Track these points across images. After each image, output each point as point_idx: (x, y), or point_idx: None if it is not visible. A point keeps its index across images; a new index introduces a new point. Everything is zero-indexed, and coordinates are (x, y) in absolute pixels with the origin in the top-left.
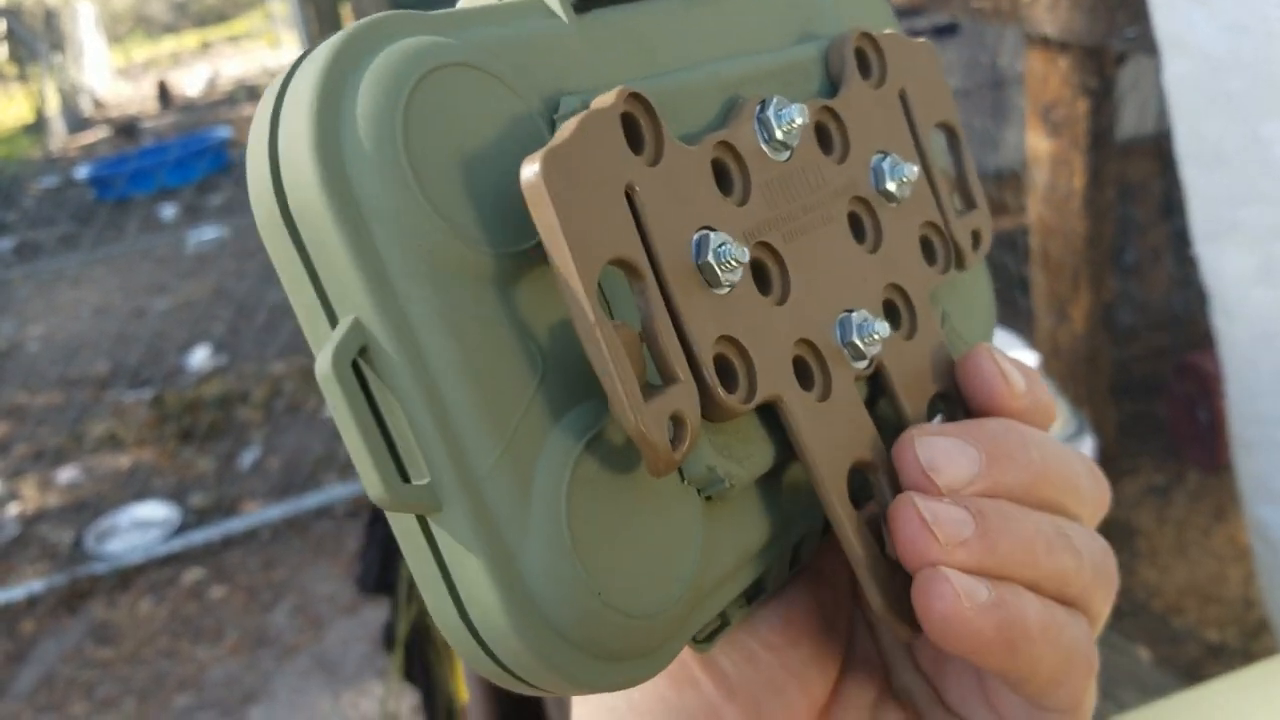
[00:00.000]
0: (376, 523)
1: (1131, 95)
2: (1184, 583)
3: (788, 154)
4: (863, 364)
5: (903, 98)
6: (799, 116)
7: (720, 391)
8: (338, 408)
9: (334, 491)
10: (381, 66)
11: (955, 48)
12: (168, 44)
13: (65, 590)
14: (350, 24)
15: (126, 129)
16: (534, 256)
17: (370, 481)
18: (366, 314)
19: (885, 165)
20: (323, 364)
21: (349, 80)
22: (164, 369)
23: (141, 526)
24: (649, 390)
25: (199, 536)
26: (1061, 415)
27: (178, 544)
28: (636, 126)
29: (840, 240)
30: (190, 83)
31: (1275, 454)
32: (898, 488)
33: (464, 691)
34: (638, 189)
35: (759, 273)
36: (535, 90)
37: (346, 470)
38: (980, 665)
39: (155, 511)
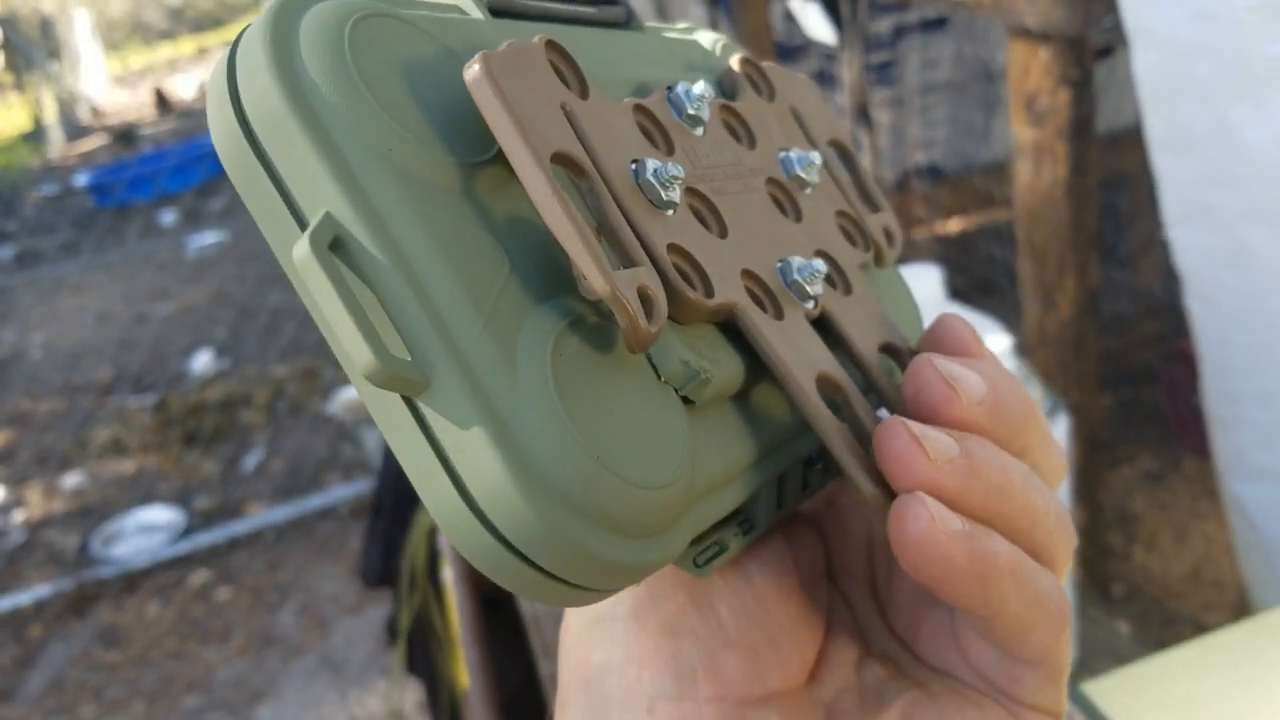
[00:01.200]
0: (379, 517)
1: (1119, 86)
2: (1179, 567)
3: (701, 129)
4: (810, 304)
5: (796, 115)
6: (705, 91)
7: (682, 284)
8: (318, 288)
9: (337, 492)
10: (323, 8)
11: (944, 41)
12: (164, 50)
13: (72, 595)
14: None
15: (125, 136)
16: (488, 170)
17: (359, 354)
18: (337, 206)
19: (793, 156)
20: (300, 251)
21: (297, 17)
22: (167, 374)
23: (147, 530)
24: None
25: (204, 539)
26: (1036, 395)
27: (183, 547)
28: (560, 71)
29: (765, 206)
30: (187, 89)
31: (1251, 431)
32: (867, 412)
33: (464, 679)
34: (573, 109)
35: (696, 215)
36: (466, 50)
37: (349, 471)
38: (949, 599)
39: (160, 515)
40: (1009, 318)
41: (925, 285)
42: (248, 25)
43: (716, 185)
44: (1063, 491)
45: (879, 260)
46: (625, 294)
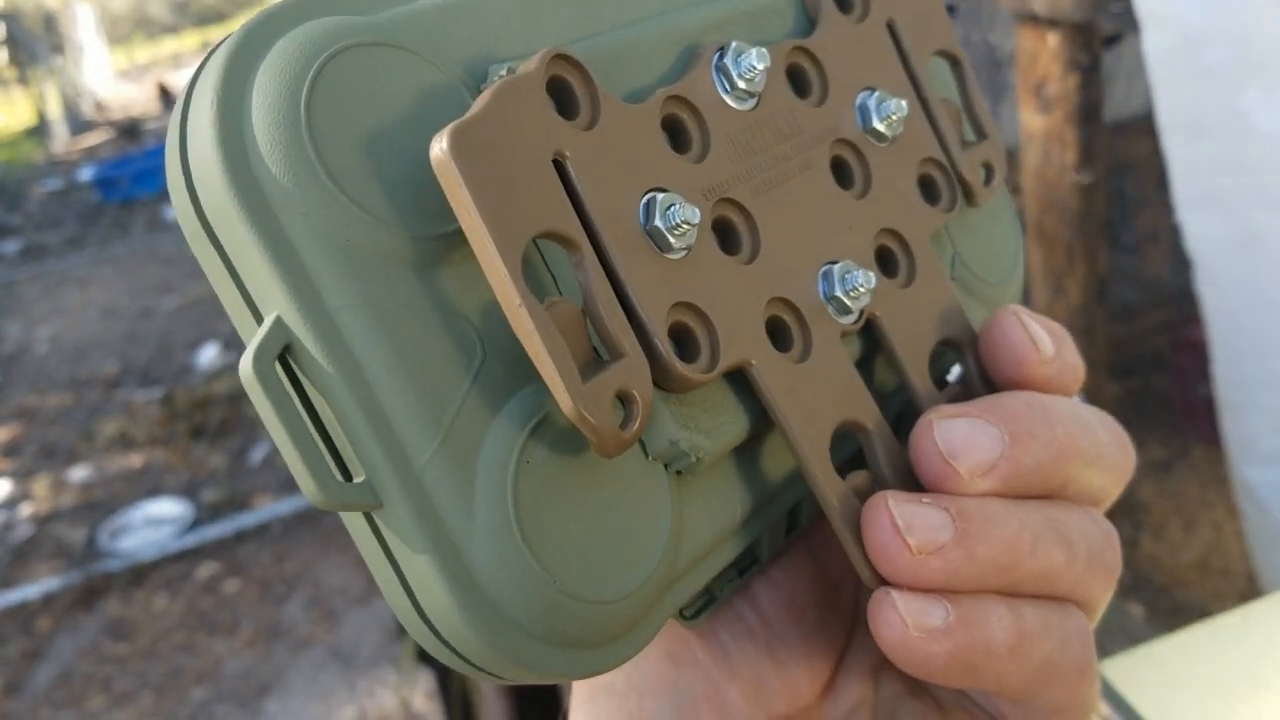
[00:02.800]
0: None
1: (1127, 74)
2: (1187, 556)
3: (754, 101)
4: (849, 318)
5: (891, 29)
6: (759, 61)
7: (676, 363)
8: (262, 409)
9: None
10: (281, 54)
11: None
12: (168, 45)
13: (80, 588)
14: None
15: (129, 130)
16: (461, 239)
17: (304, 483)
18: (286, 311)
19: (871, 103)
20: (244, 365)
21: (250, 72)
22: (173, 367)
23: (154, 523)
24: (593, 367)
25: (212, 532)
26: None
27: (191, 540)
28: (568, 90)
29: (821, 188)
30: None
31: (1261, 416)
32: (892, 451)
33: None
34: (570, 156)
35: (725, 231)
36: (459, 61)
37: None
38: (939, 684)
39: (168, 508)
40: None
41: None
42: (206, 62)
43: (763, 178)
44: None
45: (970, 200)
46: (593, 414)
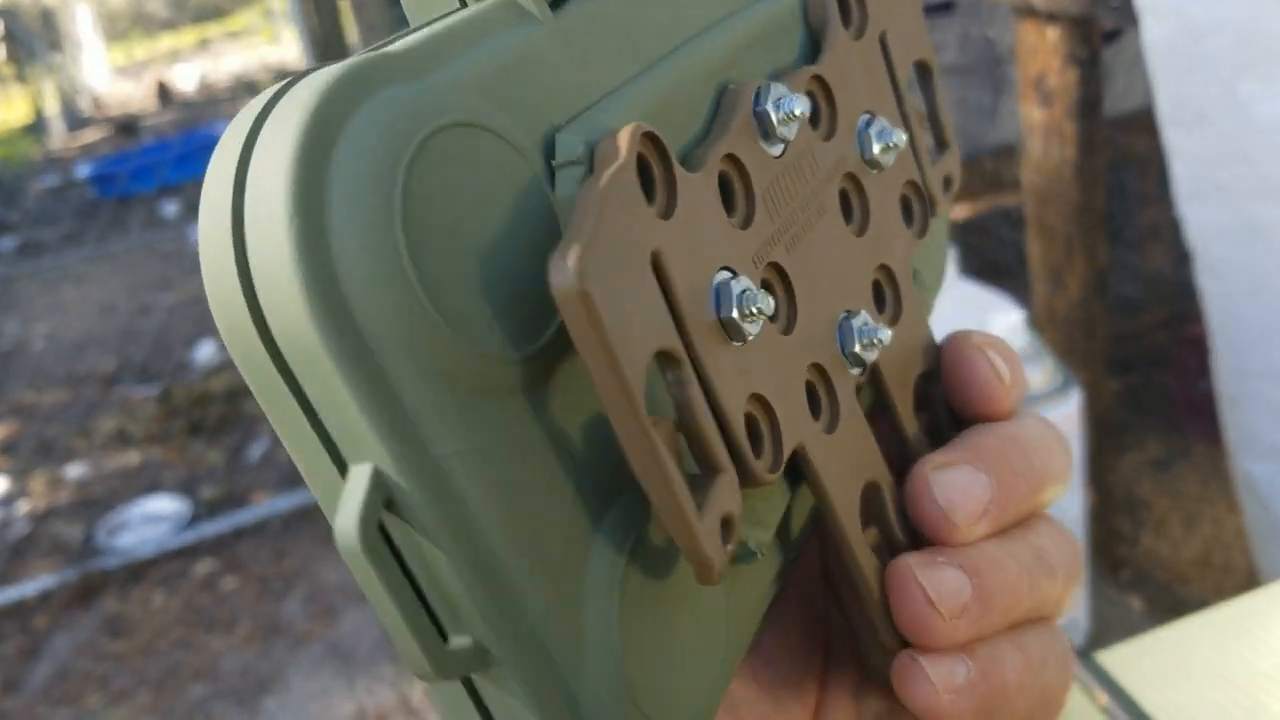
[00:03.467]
0: None
1: (1126, 68)
2: (1188, 552)
3: (783, 147)
4: (858, 371)
5: (883, 43)
6: (799, 107)
7: (758, 467)
8: (369, 584)
9: None
10: (368, 139)
11: (951, 25)
12: (166, 41)
13: (77, 585)
14: (322, 79)
15: (126, 127)
16: (555, 348)
17: (411, 655)
18: (386, 462)
19: (872, 131)
20: (346, 534)
21: (327, 166)
22: (171, 364)
23: (152, 520)
24: (695, 488)
25: (210, 529)
26: (1048, 370)
27: (189, 536)
28: (647, 169)
29: (835, 233)
30: (189, 80)
31: (1262, 409)
32: (896, 503)
33: None
34: (663, 254)
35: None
36: (527, 131)
37: None
38: None
39: (165, 505)
40: (1019, 297)
41: None
42: (267, 113)
43: (792, 233)
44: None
45: (932, 213)
46: (710, 548)
